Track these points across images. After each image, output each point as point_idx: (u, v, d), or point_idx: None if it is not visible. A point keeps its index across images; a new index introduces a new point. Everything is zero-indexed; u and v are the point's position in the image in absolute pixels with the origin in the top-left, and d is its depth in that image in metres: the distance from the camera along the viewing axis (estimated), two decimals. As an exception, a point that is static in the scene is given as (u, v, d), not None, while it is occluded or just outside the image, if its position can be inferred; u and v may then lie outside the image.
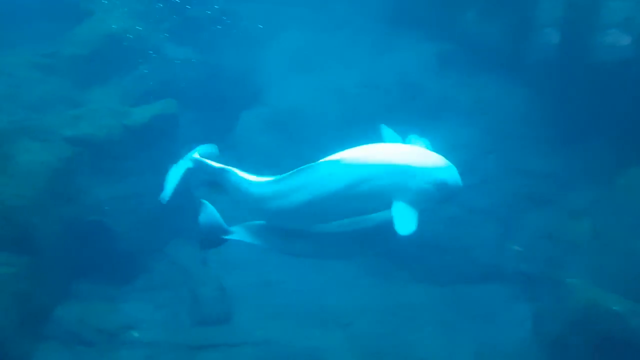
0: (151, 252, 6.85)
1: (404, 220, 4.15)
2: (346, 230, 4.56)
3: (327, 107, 7.86)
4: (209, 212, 4.66)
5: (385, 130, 4.92)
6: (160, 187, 6.97)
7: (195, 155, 4.89)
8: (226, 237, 4.70)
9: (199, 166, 4.84)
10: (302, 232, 4.62)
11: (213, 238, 4.67)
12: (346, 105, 7.74)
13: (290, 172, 4.34)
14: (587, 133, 6.89)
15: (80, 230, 6.36)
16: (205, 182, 4.88)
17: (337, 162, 4.26)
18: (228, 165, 4.69)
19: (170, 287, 6.61)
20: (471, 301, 6.51)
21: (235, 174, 4.66)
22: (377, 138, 4.61)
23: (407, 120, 6.14)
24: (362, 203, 4.29)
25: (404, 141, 4.75)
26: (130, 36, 8.35)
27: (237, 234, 4.73)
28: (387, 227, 4.20)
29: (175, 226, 7.21)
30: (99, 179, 6.71)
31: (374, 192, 4.23)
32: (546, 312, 6.14)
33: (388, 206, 4.21)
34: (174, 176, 4.91)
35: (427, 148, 4.63)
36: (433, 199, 4.28)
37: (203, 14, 9.04)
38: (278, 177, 4.43)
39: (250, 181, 4.57)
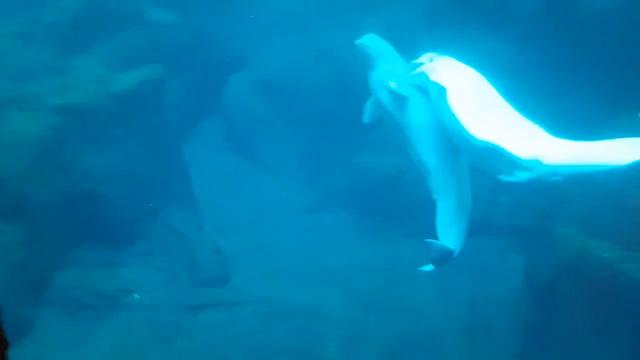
0: (146, 218, 6.85)
1: None
2: None
3: (316, 67, 7.79)
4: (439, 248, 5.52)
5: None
6: (150, 154, 6.98)
7: None
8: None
9: None
10: None
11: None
12: (336, 64, 7.68)
13: None
14: (576, 84, 6.94)
15: (74, 198, 6.33)
16: None
17: None
18: None
19: (168, 251, 6.64)
20: (464, 254, 6.63)
21: None
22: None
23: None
24: None
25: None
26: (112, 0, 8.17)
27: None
28: None
29: (167, 192, 7.20)
30: (88, 147, 6.64)
31: None
32: (537, 262, 6.25)
33: None
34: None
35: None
36: None
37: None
38: None
39: None
